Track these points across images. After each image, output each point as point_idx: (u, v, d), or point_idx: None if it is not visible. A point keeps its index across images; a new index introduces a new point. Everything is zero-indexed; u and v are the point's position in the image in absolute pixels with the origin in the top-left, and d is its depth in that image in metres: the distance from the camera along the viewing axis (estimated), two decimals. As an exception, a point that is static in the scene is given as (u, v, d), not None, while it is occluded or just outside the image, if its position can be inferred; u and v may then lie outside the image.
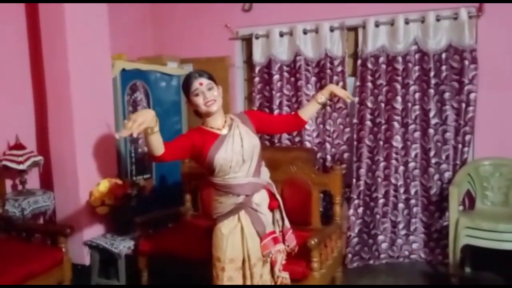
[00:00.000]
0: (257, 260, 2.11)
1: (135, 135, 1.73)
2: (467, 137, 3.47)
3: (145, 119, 1.75)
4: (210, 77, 2.12)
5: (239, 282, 2.12)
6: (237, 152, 2.07)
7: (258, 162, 2.16)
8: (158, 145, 1.92)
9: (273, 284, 2.19)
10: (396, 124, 3.62)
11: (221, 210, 2.13)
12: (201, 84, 2.07)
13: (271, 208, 2.19)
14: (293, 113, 2.57)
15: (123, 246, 3.16)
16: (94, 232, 3.35)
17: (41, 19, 3.23)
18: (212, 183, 2.16)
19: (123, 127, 1.76)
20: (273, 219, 2.20)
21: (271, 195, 2.20)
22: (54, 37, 3.20)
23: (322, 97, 2.36)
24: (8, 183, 3.26)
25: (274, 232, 2.18)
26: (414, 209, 3.67)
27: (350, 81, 3.81)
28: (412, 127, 3.62)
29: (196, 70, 2.16)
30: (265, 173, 2.24)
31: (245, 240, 2.09)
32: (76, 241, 3.23)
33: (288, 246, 2.23)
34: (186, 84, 2.10)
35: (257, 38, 3.97)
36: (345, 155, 3.82)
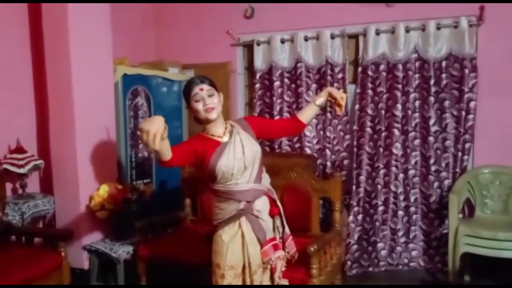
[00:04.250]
0: (257, 267, 2.11)
1: (158, 148, 1.74)
2: (467, 145, 3.48)
3: (158, 128, 1.74)
4: (212, 84, 2.12)
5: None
6: (239, 159, 2.06)
7: (260, 168, 2.15)
8: (166, 151, 1.92)
9: None
10: (396, 132, 3.63)
11: (222, 217, 2.12)
12: (201, 89, 2.06)
13: (272, 215, 2.18)
14: (291, 116, 2.55)
15: (122, 250, 3.16)
16: (94, 236, 3.35)
17: (44, 22, 3.25)
18: (212, 190, 2.15)
19: (141, 141, 1.74)
20: (273, 226, 2.19)
21: (272, 202, 2.19)
22: (56, 41, 3.22)
23: (320, 99, 2.30)
24: (8, 186, 3.26)
25: (274, 238, 2.17)
26: (414, 217, 3.67)
27: (351, 88, 3.83)
28: (412, 134, 3.63)
29: (198, 76, 2.16)
30: (266, 179, 2.24)
31: (246, 246, 2.08)
32: (76, 245, 3.23)
33: (288, 253, 2.22)
34: (187, 89, 2.10)
35: (258, 44, 3.99)
36: (345, 162, 3.83)
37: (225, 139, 2.11)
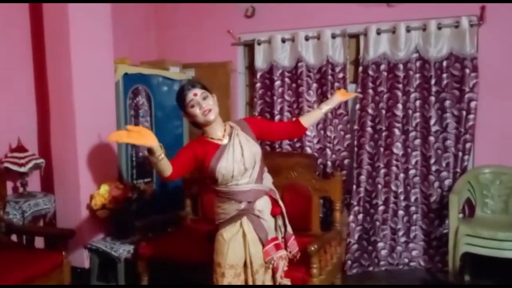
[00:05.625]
0: (259, 266, 2.11)
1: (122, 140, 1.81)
2: (468, 145, 3.48)
3: (145, 139, 1.82)
4: (203, 87, 2.12)
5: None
6: (238, 161, 2.07)
7: (260, 169, 2.16)
8: (166, 168, 1.97)
9: None
10: (396, 131, 3.63)
11: (224, 217, 2.13)
12: (195, 94, 2.07)
13: (274, 214, 2.18)
14: (294, 119, 2.56)
15: (123, 249, 3.16)
16: (94, 235, 3.35)
17: (45, 22, 3.25)
18: (214, 190, 2.17)
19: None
20: (275, 225, 2.20)
21: (274, 201, 2.20)
22: (57, 40, 3.22)
23: (327, 107, 2.38)
24: (9, 185, 3.26)
25: (276, 238, 2.17)
26: (414, 216, 3.67)
27: (351, 87, 3.83)
28: (412, 134, 3.63)
29: (189, 81, 2.18)
30: (268, 179, 2.25)
31: (248, 246, 2.09)
32: (76, 244, 3.23)
33: (290, 252, 2.23)
34: (181, 96, 2.10)
35: (259, 44, 3.99)
36: (346, 162, 3.83)
37: (224, 141, 2.12)
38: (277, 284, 2.19)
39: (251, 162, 2.10)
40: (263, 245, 2.11)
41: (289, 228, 2.25)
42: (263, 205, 2.14)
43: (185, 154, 2.11)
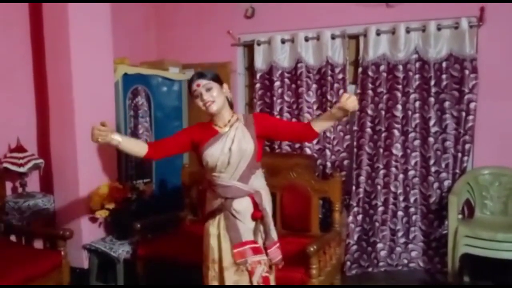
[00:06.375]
0: (229, 264, 2.09)
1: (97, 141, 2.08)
2: (467, 146, 3.48)
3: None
4: (212, 77, 2.10)
5: (223, 283, 2.11)
6: (225, 154, 2.08)
7: (248, 168, 2.11)
8: (134, 150, 2.09)
9: None
10: (396, 132, 3.63)
11: (208, 208, 2.18)
12: (198, 85, 2.09)
13: (253, 218, 2.13)
14: (305, 122, 2.51)
15: (122, 250, 3.17)
16: (93, 235, 3.35)
17: (45, 22, 3.26)
18: (206, 179, 2.22)
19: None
20: (256, 229, 2.14)
21: (255, 205, 2.13)
22: (57, 40, 3.22)
23: (338, 113, 2.16)
24: (8, 185, 3.26)
25: (255, 241, 2.12)
26: (413, 217, 3.67)
27: (351, 88, 3.83)
28: (412, 135, 3.63)
29: (198, 71, 2.16)
30: (259, 181, 2.18)
31: (221, 242, 2.11)
32: (75, 244, 3.23)
33: (270, 260, 2.16)
34: (188, 86, 2.16)
35: (259, 44, 3.99)
36: (345, 162, 3.83)
37: (224, 130, 2.14)
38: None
39: (237, 158, 2.08)
40: (234, 246, 2.08)
41: (273, 235, 2.18)
42: (242, 206, 2.10)
43: (181, 136, 2.20)
